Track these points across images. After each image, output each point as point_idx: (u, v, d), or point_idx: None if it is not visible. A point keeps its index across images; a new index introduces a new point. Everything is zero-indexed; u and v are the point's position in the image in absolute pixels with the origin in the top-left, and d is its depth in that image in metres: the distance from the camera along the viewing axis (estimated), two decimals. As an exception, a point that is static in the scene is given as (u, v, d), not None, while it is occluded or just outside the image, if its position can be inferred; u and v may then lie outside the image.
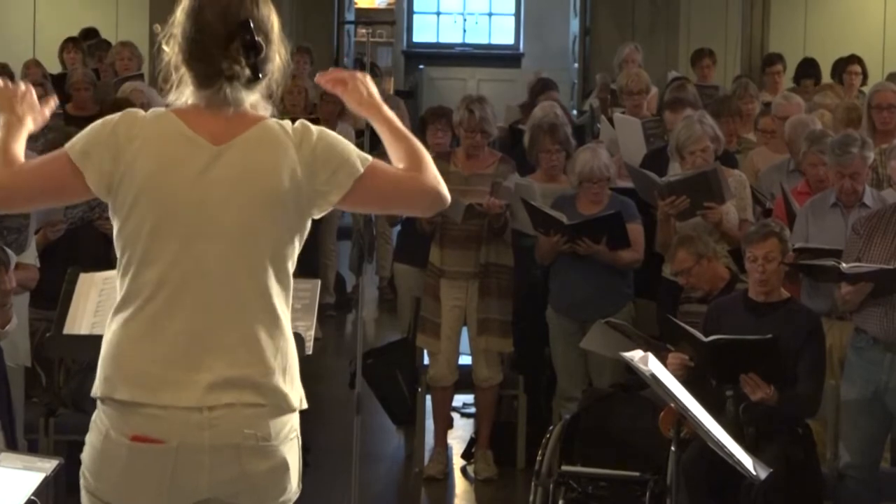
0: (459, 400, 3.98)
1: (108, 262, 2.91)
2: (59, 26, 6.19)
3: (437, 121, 4.15)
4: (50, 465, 2.04)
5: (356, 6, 8.95)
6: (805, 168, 3.62)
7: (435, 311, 3.60)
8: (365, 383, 3.32)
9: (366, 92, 1.60)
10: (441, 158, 3.74)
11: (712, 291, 3.25)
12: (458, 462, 3.77)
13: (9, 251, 2.88)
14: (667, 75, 5.73)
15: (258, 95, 1.52)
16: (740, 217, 3.49)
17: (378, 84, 5.82)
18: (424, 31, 9.97)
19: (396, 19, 9.63)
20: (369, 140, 3.96)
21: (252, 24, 1.49)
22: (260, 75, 1.50)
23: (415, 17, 9.97)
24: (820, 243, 3.19)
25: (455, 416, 3.95)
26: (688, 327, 2.90)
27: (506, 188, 3.56)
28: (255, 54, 1.49)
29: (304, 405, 1.54)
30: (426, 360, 3.74)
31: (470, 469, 3.70)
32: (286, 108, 5.06)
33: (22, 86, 1.60)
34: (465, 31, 9.95)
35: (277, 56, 1.53)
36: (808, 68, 5.83)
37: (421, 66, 9.58)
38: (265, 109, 1.54)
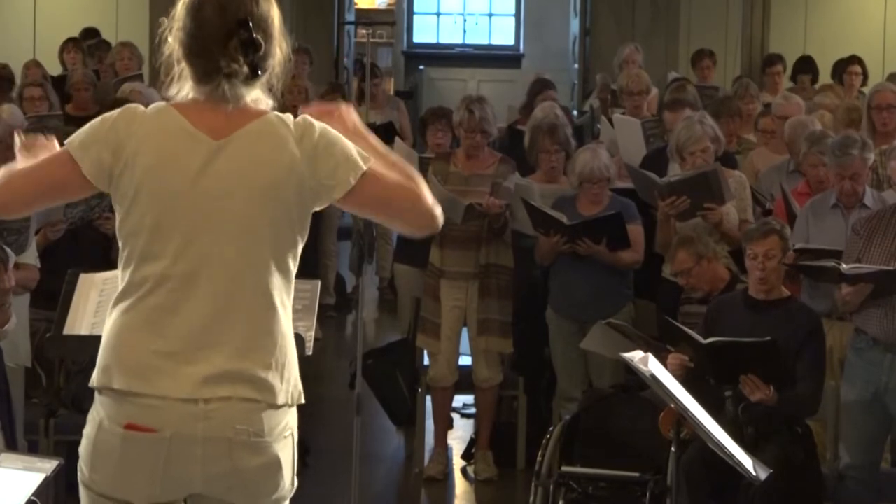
0: (459, 400, 3.98)
1: (108, 262, 2.92)
2: (59, 27, 6.19)
3: (437, 121, 4.15)
4: (50, 465, 2.04)
5: (356, 7, 8.95)
6: (805, 169, 3.62)
7: (435, 312, 3.60)
8: (365, 384, 3.32)
9: (350, 123, 1.58)
10: (441, 159, 3.75)
11: (712, 292, 3.25)
12: (458, 462, 3.77)
13: (7, 250, 2.88)
14: (667, 76, 5.73)
15: (259, 91, 1.52)
16: (740, 218, 3.49)
17: (378, 85, 5.82)
18: (424, 32, 9.97)
19: (396, 20, 9.63)
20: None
21: (251, 22, 1.49)
22: (259, 72, 1.50)
23: (415, 17, 9.97)
24: (820, 244, 3.19)
25: (455, 416, 3.95)
26: (686, 329, 2.90)
27: (506, 188, 3.56)
28: (253, 52, 1.49)
29: (301, 400, 1.54)
30: (426, 361, 3.74)
31: (470, 470, 3.71)
32: (286, 107, 5.04)
33: (44, 140, 1.58)
34: (465, 31, 9.95)
35: (278, 51, 1.53)
36: (804, 65, 5.83)
37: (421, 67, 9.58)
38: (266, 104, 1.53)
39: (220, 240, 1.50)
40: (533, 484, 3.02)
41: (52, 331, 2.42)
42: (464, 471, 3.73)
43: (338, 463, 3.32)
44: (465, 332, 3.65)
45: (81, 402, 2.99)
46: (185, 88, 1.52)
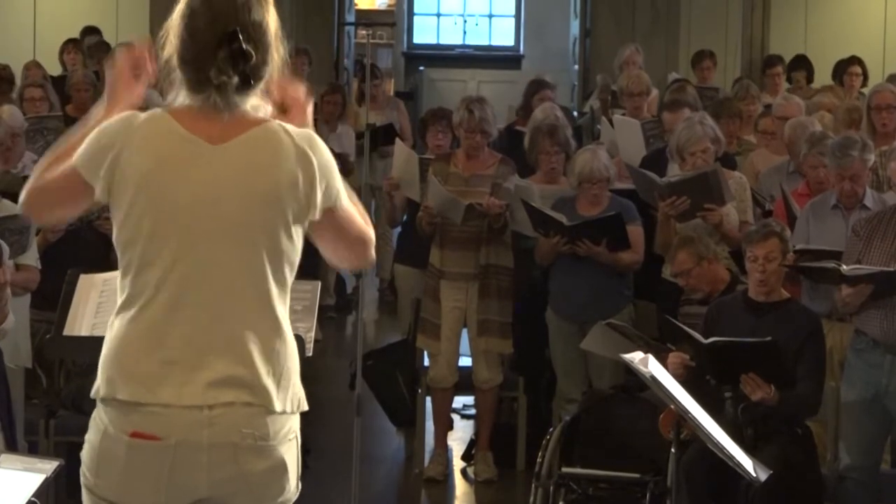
0: (459, 401, 3.98)
1: (108, 262, 2.92)
2: (59, 28, 6.19)
3: (437, 122, 4.15)
4: (50, 466, 2.04)
5: (356, 7, 8.95)
6: (805, 170, 3.62)
7: (435, 313, 3.60)
8: (365, 384, 3.32)
9: (306, 124, 1.57)
10: (441, 160, 3.76)
11: (712, 293, 3.25)
12: (458, 463, 3.77)
13: (2, 244, 2.88)
14: (667, 77, 5.74)
15: (255, 98, 1.52)
16: (740, 219, 3.49)
17: (378, 86, 5.80)
18: (425, 33, 9.98)
19: (397, 21, 9.63)
20: (369, 142, 3.98)
21: (241, 34, 1.48)
22: (252, 82, 1.50)
23: (415, 18, 9.97)
24: (820, 245, 3.19)
25: (455, 417, 3.96)
26: (687, 328, 2.90)
27: (506, 189, 3.56)
28: (244, 62, 1.49)
29: (304, 407, 1.54)
30: (426, 362, 3.74)
31: (470, 470, 3.71)
32: (285, 108, 5.04)
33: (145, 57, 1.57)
34: (465, 32, 9.95)
35: (275, 55, 1.53)
36: (799, 63, 5.81)
37: (421, 68, 9.59)
38: (266, 110, 1.53)
39: (217, 246, 1.50)
40: (533, 485, 3.02)
41: (52, 332, 2.42)
42: (464, 472, 3.73)
43: (338, 463, 3.32)
44: (465, 333, 3.66)
45: (81, 403, 2.99)
46: (181, 94, 1.52)
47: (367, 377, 3.41)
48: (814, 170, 3.55)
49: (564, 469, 3.02)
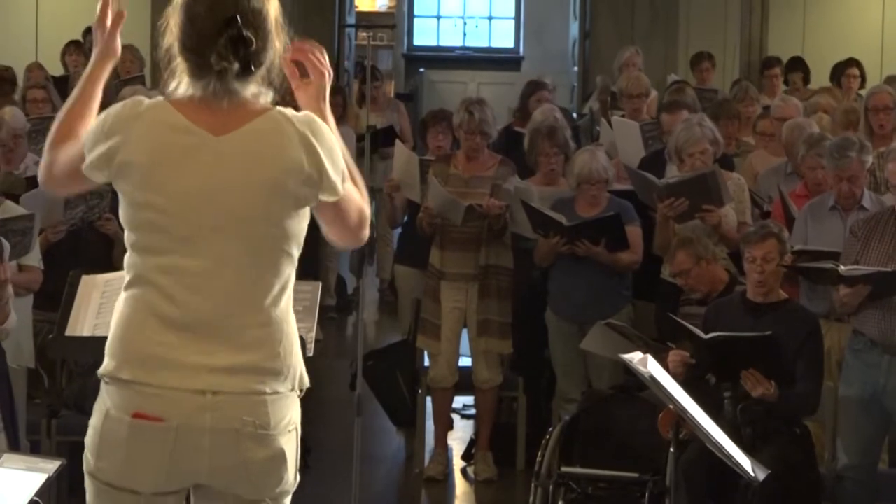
0: (459, 401, 3.99)
1: (109, 263, 2.94)
2: (61, 29, 6.20)
3: (437, 123, 4.17)
4: (52, 465, 2.04)
5: (357, 10, 8.97)
6: (804, 171, 3.63)
7: (435, 313, 3.62)
8: (365, 385, 3.33)
9: (322, 94, 1.59)
10: (441, 161, 3.77)
11: (711, 293, 3.26)
12: (458, 463, 3.79)
13: (2, 241, 2.89)
14: (666, 79, 5.75)
15: (256, 86, 1.52)
16: (739, 220, 3.50)
17: (379, 87, 5.82)
18: (425, 35, 9.99)
19: (397, 23, 9.65)
20: (370, 143, 3.99)
21: (240, 19, 1.48)
22: (252, 68, 1.50)
23: (415, 20, 9.99)
24: (819, 246, 3.20)
25: (455, 417, 3.97)
26: (687, 324, 2.91)
27: (505, 190, 3.58)
28: (244, 48, 1.48)
29: (306, 383, 1.55)
30: (426, 362, 3.76)
31: (470, 470, 3.72)
32: (287, 103, 5.06)
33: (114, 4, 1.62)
34: (465, 34, 9.96)
35: (276, 42, 1.53)
36: (795, 65, 5.83)
37: (421, 70, 9.60)
38: (267, 98, 1.53)
39: (222, 235, 1.51)
40: (532, 484, 3.04)
41: (54, 332, 2.43)
42: (464, 471, 3.75)
43: (338, 463, 3.33)
44: (465, 333, 3.67)
45: (83, 402, 3.00)
46: (182, 84, 1.53)
47: (367, 377, 3.42)
48: (812, 171, 3.56)
49: (564, 469, 3.03)
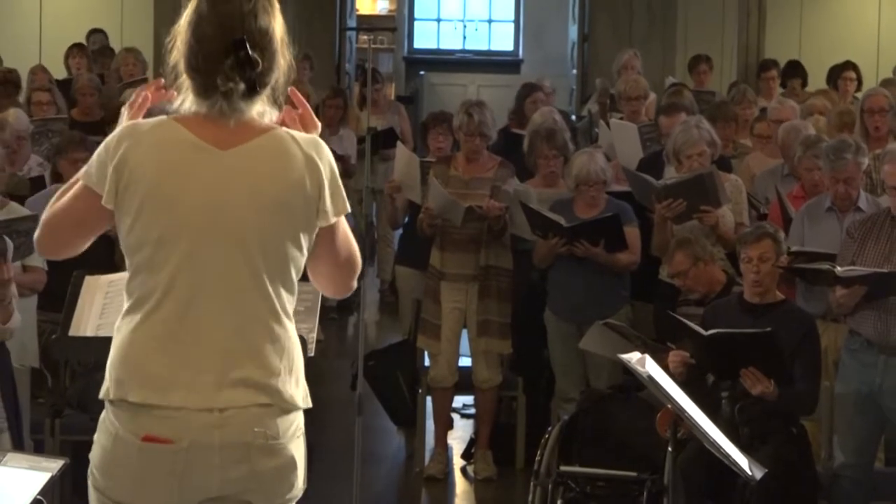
0: (459, 401, 4.01)
1: (112, 264, 2.95)
2: (64, 32, 6.23)
3: (437, 125, 4.19)
4: (56, 465, 2.05)
5: (358, 13, 9.01)
6: (800, 173, 3.66)
7: (435, 314, 3.64)
8: (366, 385, 3.34)
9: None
10: (442, 163, 3.80)
11: (709, 294, 3.28)
12: (458, 462, 3.80)
13: (6, 240, 2.90)
14: (664, 81, 5.78)
15: (261, 105, 1.53)
16: (736, 221, 3.52)
17: (379, 90, 5.83)
18: (425, 38, 10.01)
19: (397, 26, 9.67)
20: (370, 145, 4.02)
21: (247, 41, 1.49)
22: (258, 88, 1.51)
23: (415, 23, 10.01)
24: (816, 247, 3.22)
25: (455, 416, 3.99)
26: (687, 322, 2.92)
27: (505, 191, 3.60)
28: (251, 69, 1.49)
29: (309, 403, 1.57)
30: (427, 362, 3.78)
31: (470, 469, 3.74)
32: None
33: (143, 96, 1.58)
34: (465, 37, 9.99)
35: (281, 62, 1.53)
36: (794, 70, 5.87)
37: (422, 72, 9.62)
38: (272, 117, 1.54)
39: (226, 250, 1.51)
40: (532, 483, 3.05)
41: (57, 332, 2.44)
42: (464, 470, 3.77)
43: (339, 462, 3.35)
44: (465, 334, 3.69)
45: (86, 402, 3.02)
46: (187, 100, 1.53)
47: (368, 377, 3.43)
48: (808, 172, 3.58)
49: (563, 468, 3.05)
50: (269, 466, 1.51)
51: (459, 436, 3.95)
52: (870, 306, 2.96)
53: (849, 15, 6.70)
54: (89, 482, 1.54)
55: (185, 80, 1.53)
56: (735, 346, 2.85)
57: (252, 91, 1.51)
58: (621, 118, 4.63)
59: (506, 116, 5.40)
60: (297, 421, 1.55)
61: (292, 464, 1.53)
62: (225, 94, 1.50)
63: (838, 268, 2.99)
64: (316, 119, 1.62)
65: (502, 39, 9.94)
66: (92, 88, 4.90)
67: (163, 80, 1.62)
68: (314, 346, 2.15)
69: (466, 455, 3.81)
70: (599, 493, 3.01)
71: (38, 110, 4.48)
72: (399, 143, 4.53)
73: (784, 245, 3.08)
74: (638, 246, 3.55)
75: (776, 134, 4.11)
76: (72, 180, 1.58)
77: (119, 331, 1.53)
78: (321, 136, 1.61)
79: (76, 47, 5.84)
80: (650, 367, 2.37)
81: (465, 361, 3.76)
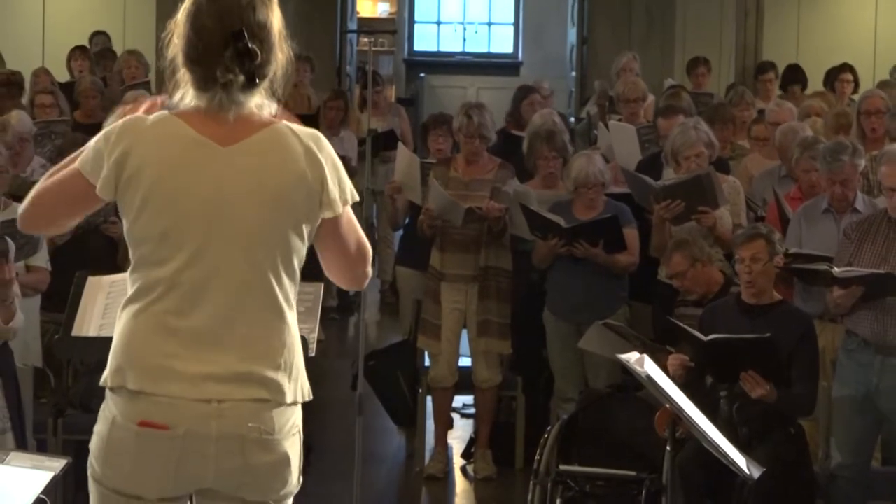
0: (459, 401, 4.03)
1: (114, 264, 2.97)
2: (67, 34, 6.26)
3: (438, 127, 4.21)
4: (59, 464, 2.07)
5: (358, 16, 9.03)
6: (797, 174, 3.67)
7: (435, 314, 3.66)
8: (367, 384, 3.35)
9: None
10: (442, 164, 3.82)
11: (707, 295, 3.30)
12: (458, 461, 3.82)
13: (8, 240, 2.91)
14: (663, 83, 5.80)
15: (260, 97, 1.53)
16: (734, 222, 3.54)
17: (380, 92, 5.85)
18: (425, 40, 10.04)
19: (398, 28, 9.70)
20: (371, 147, 4.04)
21: (246, 33, 1.49)
22: (257, 80, 1.51)
23: (416, 26, 10.04)
24: (813, 248, 3.23)
25: (455, 416, 4.00)
26: (687, 327, 2.94)
27: (505, 193, 3.62)
28: (250, 61, 1.50)
29: (309, 397, 1.56)
30: (427, 362, 3.80)
31: (470, 468, 3.76)
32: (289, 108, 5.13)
33: (144, 105, 1.59)
34: (465, 40, 10.02)
35: (279, 55, 1.54)
36: (794, 74, 5.89)
37: (422, 75, 9.65)
38: (270, 109, 1.54)
39: (228, 245, 1.52)
40: (531, 482, 3.07)
41: (60, 332, 2.46)
42: (464, 469, 3.78)
43: (340, 462, 3.37)
44: (464, 334, 3.71)
45: (89, 402, 3.04)
46: (187, 95, 1.54)
47: (368, 377, 3.45)
48: (806, 174, 3.60)
49: (562, 467, 3.06)
50: (263, 461, 1.52)
51: (459, 435, 3.97)
52: (867, 307, 2.98)
53: (846, 17, 6.72)
54: (89, 473, 1.55)
55: (183, 74, 1.53)
56: (734, 351, 2.87)
57: (251, 82, 1.51)
58: (620, 120, 4.65)
59: (505, 118, 5.43)
60: (294, 418, 1.55)
61: (286, 460, 1.54)
62: (224, 85, 1.50)
63: (835, 269, 3.01)
64: None
65: (502, 42, 9.96)
66: (94, 91, 4.93)
67: (159, 100, 1.61)
68: (315, 346, 2.16)
69: (466, 454, 3.83)
70: (598, 492, 3.02)
71: (41, 112, 4.50)
72: (400, 145, 4.55)
73: (778, 245, 3.09)
74: (637, 247, 3.57)
75: (774, 136, 4.13)
76: (66, 160, 1.59)
77: (121, 319, 1.54)
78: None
79: (79, 50, 5.86)
80: (649, 367, 2.38)
81: (464, 361, 3.77)
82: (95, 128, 1.64)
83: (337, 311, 5.41)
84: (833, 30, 6.66)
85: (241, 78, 1.51)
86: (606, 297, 3.55)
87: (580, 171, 3.58)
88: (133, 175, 1.52)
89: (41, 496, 2.00)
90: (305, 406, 1.58)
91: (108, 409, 1.54)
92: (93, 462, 1.54)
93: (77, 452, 2.55)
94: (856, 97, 5.11)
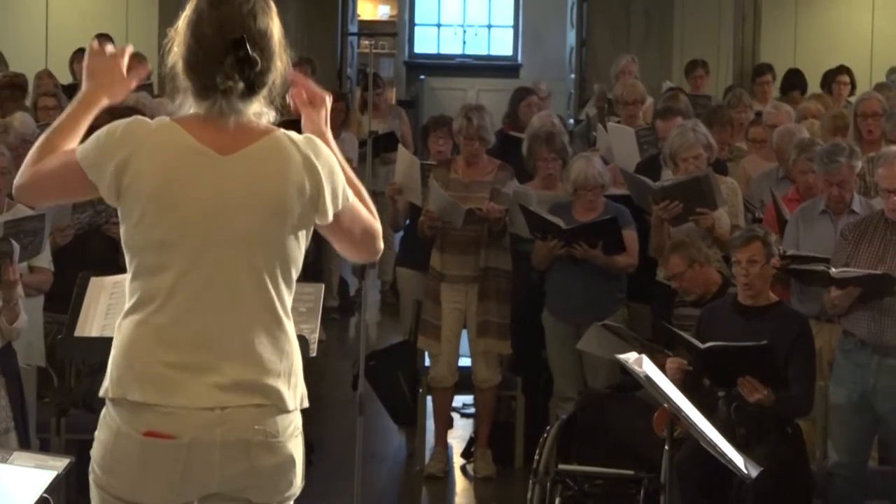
0: (459, 400, 4.05)
1: (116, 265, 2.97)
2: (70, 37, 6.28)
3: (438, 129, 4.23)
4: (62, 463, 2.07)
5: (359, 18, 9.06)
6: (795, 175, 3.69)
7: (435, 314, 3.68)
8: (367, 384, 3.35)
9: (324, 119, 1.63)
10: (442, 166, 3.84)
11: (705, 295, 3.32)
12: (458, 461, 3.84)
13: (13, 243, 2.93)
14: (662, 85, 5.83)
15: (259, 105, 1.54)
16: (732, 223, 3.56)
17: (380, 94, 5.88)
18: (425, 43, 10.06)
19: (398, 31, 9.73)
20: (372, 149, 4.06)
21: (247, 40, 1.50)
22: (256, 88, 1.52)
23: (416, 28, 10.06)
24: (810, 249, 3.25)
25: (455, 416, 4.02)
26: (684, 334, 2.96)
27: (504, 194, 3.64)
28: (250, 68, 1.50)
29: (306, 404, 1.58)
30: (427, 362, 3.81)
31: (469, 467, 3.78)
32: (289, 112, 5.15)
33: (111, 48, 1.60)
34: (464, 42, 10.05)
35: (279, 64, 1.55)
36: (794, 79, 5.92)
37: (422, 77, 9.66)
38: (269, 117, 1.56)
39: (227, 254, 1.53)
40: (530, 481, 3.08)
41: (63, 332, 2.48)
42: (463, 469, 3.80)
43: (341, 461, 3.39)
44: (464, 334, 3.73)
45: (92, 401, 3.05)
46: (187, 102, 1.54)
47: (369, 377, 3.46)
48: (802, 175, 3.62)
49: (561, 466, 3.08)
50: (269, 464, 1.53)
51: (459, 435, 3.99)
52: (864, 307, 3.00)
53: (843, 20, 6.74)
54: (90, 479, 1.55)
55: (182, 82, 1.54)
56: (731, 357, 2.88)
57: (251, 90, 1.52)
58: (619, 122, 4.67)
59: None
60: (296, 420, 1.57)
61: (291, 462, 1.55)
62: (224, 92, 1.51)
63: (833, 269, 3.03)
64: (320, 91, 1.62)
65: (501, 44, 9.99)
66: (97, 93, 4.92)
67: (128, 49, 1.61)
68: (316, 346, 2.18)
69: (466, 454, 3.84)
70: (597, 491, 3.04)
71: (44, 115, 4.51)
72: (400, 147, 4.57)
73: (774, 247, 3.11)
74: (635, 248, 3.59)
75: (771, 138, 4.15)
76: (66, 117, 1.58)
77: (120, 329, 1.55)
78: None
79: (82, 52, 5.82)
80: (647, 367, 2.40)
81: (464, 361, 3.79)
82: (98, 130, 1.65)
83: (338, 311, 5.42)
84: (830, 32, 6.68)
85: (241, 85, 1.52)
86: (605, 298, 3.57)
87: (579, 174, 3.60)
88: (132, 182, 1.53)
89: (44, 495, 2.01)
90: (308, 406, 1.60)
91: (111, 418, 1.54)
92: (95, 468, 1.55)
93: (80, 452, 2.55)
94: (852, 99, 5.13)
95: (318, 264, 4.89)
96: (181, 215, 1.53)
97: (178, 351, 1.52)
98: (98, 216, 3.54)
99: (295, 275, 1.58)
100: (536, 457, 3.11)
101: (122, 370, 1.53)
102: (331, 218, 1.57)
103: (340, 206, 1.58)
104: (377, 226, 1.63)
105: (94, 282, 2.45)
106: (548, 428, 3.21)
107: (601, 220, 3.55)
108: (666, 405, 2.47)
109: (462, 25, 10.06)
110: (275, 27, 1.55)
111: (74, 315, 2.42)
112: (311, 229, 1.58)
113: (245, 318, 1.54)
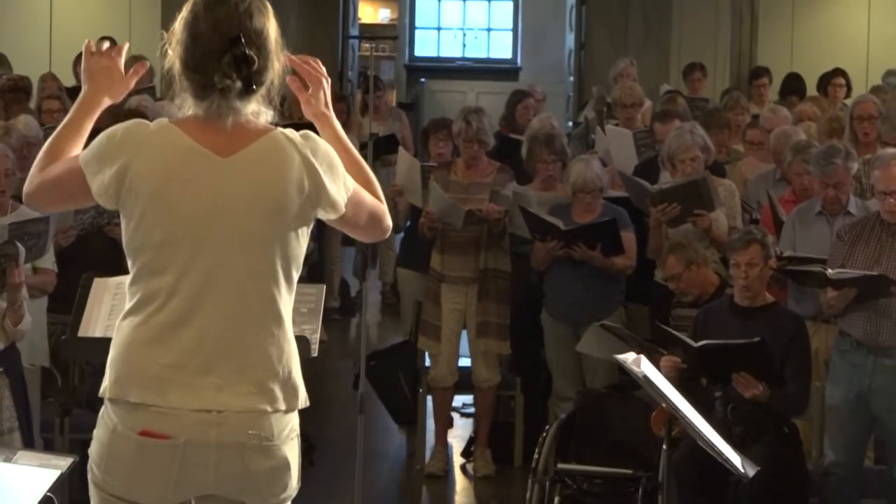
0: (459, 400, 4.07)
1: (118, 266, 2.99)
2: (74, 40, 6.30)
3: (438, 132, 4.27)
4: (65, 462, 2.10)
5: (360, 21, 9.09)
6: (791, 177, 3.72)
7: (436, 315, 3.70)
8: (368, 384, 3.37)
9: (324, 101, 1.62)
10: (442, 168, 3.87)
11: (702, 296, 3.34)
12: (457, 460, 3.86)
13: (18, 245, 2.95)
14: (660, 88, 5.86)
15: (256, 104, 1.54)
16: (730, 224, 3.58)
17: (381, 97, 5.91)
18: (426, 46, 10.09)
19: (399, 34, 9.76)
20: (372, 151, 4.10)
21: (243, 39, 1.50)
22: (254, 87, 1.52)
23: (416, 32, 10.09)
24: (806, 250, 3.27)
25: (455, 415, 4.04)
26: (678, 334, 2.98)
27: (504, 196, 3.67)
28: (247, 67, 1.50)
29: (306, 403, 1.57)
30: (427, 362, 3.83)
31: (469, 467, 3.80)
32: (289, 116, 5.18)
33: (106, 46, 1.62)
34: (464, 45, 10.07)
35: (276, 63, 1.54)
36: (793, 83, 5.95)
37: (422, 80, 9.68)
38: (267, 116, 1.55)
39: (227, 255, 1.53)
40: (530, 480, 3.11)
41: (67, 333, 2.50)
42: (463, 468, 3.82)
43: (342, 460, 3.41)
44: (464, 335, 3.75)
45: (95, 401, 3.02)
46: (185, 103, 1.55)
47: (370, 377, 3.48)
48: (799, 177, 3.64)
49: (560, 465, 3.10)
50: (264, 467, 1.53)
51: (459, 434, 4.01)
52: (860, 308, 3.02)
53: (839, 23, 6.77)
54: (88, 477, 1.56)
55: (180, 82, 1.54)
56: (725, 355, 2.91)
57: (248, 89, 1.52)
58: (617, 125, 4.70)
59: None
60: (293, 423, 1.57)
61: (286, 465, 1.55)
62: (222, 91, 1.51)
63: (829, 270, 3.05)
64: (320, 71, 1.61)
65: (501, 47, 10.02)
66: (100, 95, 4.94)
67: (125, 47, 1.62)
68: (317, 346, 2.19)
69: (466, 453, 3.86)
70: (596, 490, 3.06)
71: (48, 118, 4.53)
72: (400, 149, 4.59)
73: (772, 248, 3.13)
74: (634, 250, 3.61)
75: (768, 140, 4.17)
76: (69, 121, 1.60)
77: (120, 330, 1.55)
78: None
79: (84, 55, 5.87)
80: (645, 367, 2.42)
81: (464, 362, 3.81)
82: (100, 132, 1.67)
83: (339, 312, 5.43)
84: (826, 36, 6.71)
85: (239, 84, 1.52)
86: (604, 299, 3.59)
87: (578, 177, 3.63)
88: (133, 185, 1.54)
89: (48, 494, 2.03)
90: (308, 405, 1.61)
91: (108, 417, 1.54)
92: (93, 467, 1.56)
93: (83, 451, 2.55)
94: (848, 102, 5.16)
95: (319, 265, 4.92)
96: (181, 216, 1.53)
97: (176, 352, 1.53)
98: (100, 217, 3.56)
99: (296, 274, 1.58)
100: (535, 456, 3.13)
101: (120, 371, 1.54)
102: (343, 208, 1.57)
103: (350, 191, 1.58)
104: (383, 207, 1.63)
105: (98, 283, 2.47)
106: (547, 427, 3.23)
107: (600, 222, 3.58)
108: (664, 405, 2.49)
109: (462, 29, 10.09)
110: (271, 27, 1.55)
111: (78, 315, 2.44)
112: (312, 226, 1.58)
113: (245, 318, 1.55)
